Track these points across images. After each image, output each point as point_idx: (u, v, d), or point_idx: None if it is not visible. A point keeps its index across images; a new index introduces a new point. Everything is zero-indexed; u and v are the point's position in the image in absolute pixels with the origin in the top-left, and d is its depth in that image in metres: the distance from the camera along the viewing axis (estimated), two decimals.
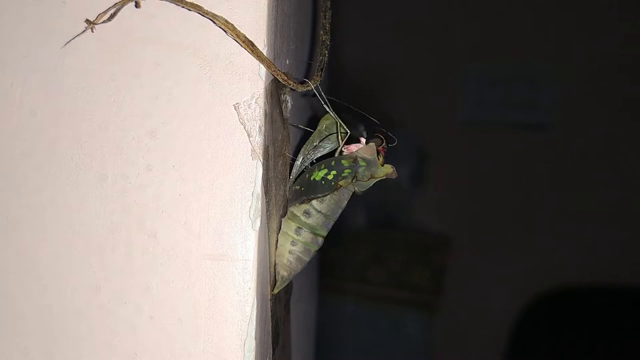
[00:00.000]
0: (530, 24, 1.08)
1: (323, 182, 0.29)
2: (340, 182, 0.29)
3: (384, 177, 0.30)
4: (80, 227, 0.27)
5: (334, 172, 0.29)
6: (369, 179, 0.30)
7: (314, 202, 0.29)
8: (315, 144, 0.31)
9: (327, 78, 0.31)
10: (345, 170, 0.29)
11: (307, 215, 0.30)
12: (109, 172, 0.27)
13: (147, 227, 0.27)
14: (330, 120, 0.31)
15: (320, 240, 0.30)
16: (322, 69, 0.30)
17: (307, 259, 0.30)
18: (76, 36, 0.27)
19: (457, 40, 1.09)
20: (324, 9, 0.31)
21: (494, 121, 1.11)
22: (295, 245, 0.30)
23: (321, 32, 0.30)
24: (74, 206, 0.28)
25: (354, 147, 0.31)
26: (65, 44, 0.27)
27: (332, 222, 0.30)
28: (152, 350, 0.27)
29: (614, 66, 1.05)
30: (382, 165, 0.30)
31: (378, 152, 0.30)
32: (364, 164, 0.30)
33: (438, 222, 1.10)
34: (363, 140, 0.31)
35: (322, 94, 0.30)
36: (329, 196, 0.30)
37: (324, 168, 0.30)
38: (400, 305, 1.03)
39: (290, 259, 0.30)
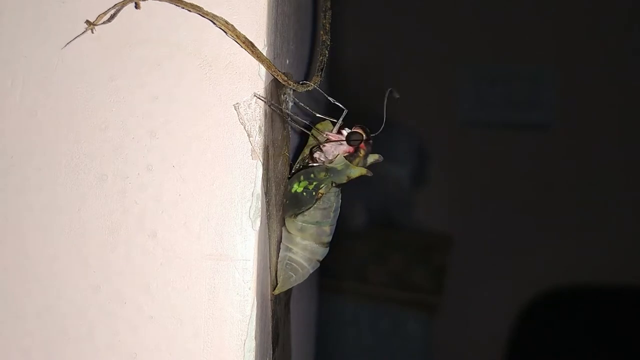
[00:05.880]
0: (530, 24, 1.08)
1: (304, 193, 0.29)
2: (321, 191, 0.29)
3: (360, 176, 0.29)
4: (80, 227, 0.27)
5: (315, 182, 0.29)
6: (346, 181, 0.29)
7: (299, 217, 0.29)
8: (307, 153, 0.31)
9: (327, 78, 0.31)
10: (325, 180, 0.29)
11: (306, 225, 0.29)
12: (109, 172, 0.27)
13: (147, 227, 0.27)
14: (322, 127, 0.30)
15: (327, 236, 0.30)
16: (322, 69, 0.30)
17: (321, 249, 0.30)
18: (76, 37, 0.27)
19: (457, 40, 1.08)
20: (324, 9, 0.31)
21: (494, 121, 1.11)
22: (305, 250, 0.30)
23: (321, 32, 0.30)
24: (74, 206, 0.27)
25: (333, 137, 0.29)
26: (65, 45, 0.27)
27: (334, 223, 0.30)
28: (152, 350, 0.27)
29: (615, 65, 1.05)
30: (358, 164, 0.29)
31: (359, 149, 0.29)
32: (340, 169, 0.29)
33: (438, 222, 1.10)
34: (344, 132, 0.29)
35: (324, 93, 0.30)
36: (313, 207, 0.29)
37: (304, 180, 0.29)
38: (401, 305, 1.03)
39: (303, 255, 0.30)
